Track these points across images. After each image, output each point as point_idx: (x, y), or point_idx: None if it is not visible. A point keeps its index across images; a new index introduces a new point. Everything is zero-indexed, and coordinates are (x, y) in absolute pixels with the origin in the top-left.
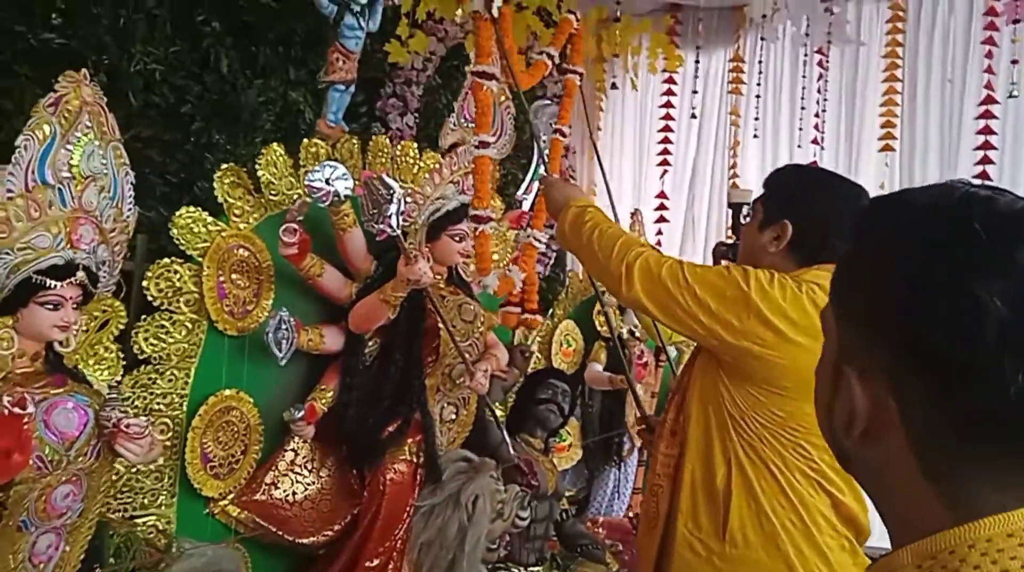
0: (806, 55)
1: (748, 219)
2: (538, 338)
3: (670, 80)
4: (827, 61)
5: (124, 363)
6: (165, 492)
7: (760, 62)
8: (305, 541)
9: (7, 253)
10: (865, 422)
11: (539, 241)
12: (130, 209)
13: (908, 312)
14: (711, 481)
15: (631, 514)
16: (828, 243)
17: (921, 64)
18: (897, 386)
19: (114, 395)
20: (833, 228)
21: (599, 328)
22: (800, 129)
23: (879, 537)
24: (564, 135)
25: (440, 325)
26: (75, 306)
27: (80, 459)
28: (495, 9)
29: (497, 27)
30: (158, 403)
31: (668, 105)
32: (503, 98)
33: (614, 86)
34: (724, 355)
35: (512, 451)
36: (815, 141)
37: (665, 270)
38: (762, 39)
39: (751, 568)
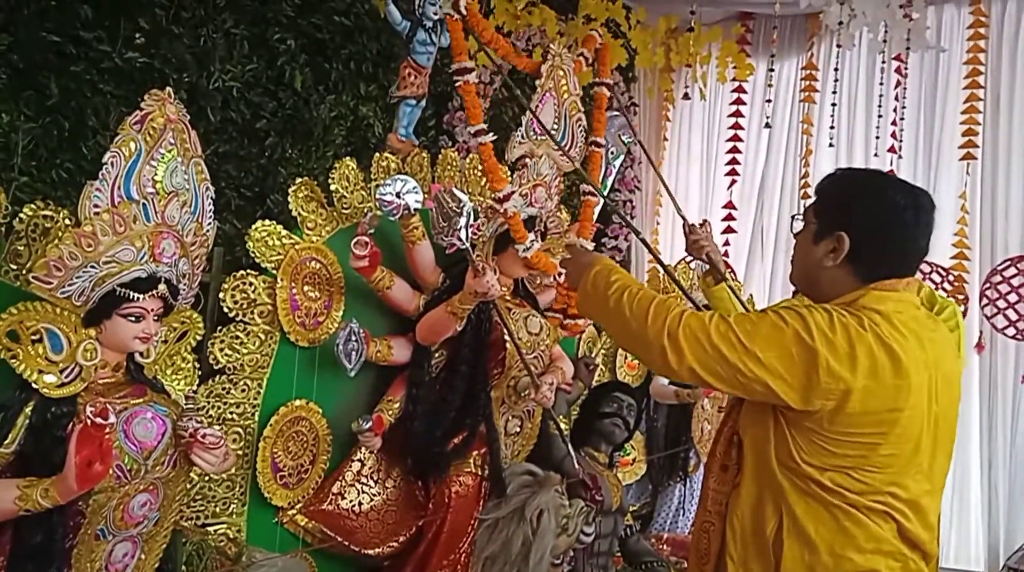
0: (884, 62)
1: (799, 230)
2: (603, 351)
3: (739, 89)
4: (905, 68)
5: (200, 373)
6: (236, 501)
7: (835, 69)
8: (370, 552)
9: (93, 266)
10: None
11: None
12: (209, 223)
13: None
14: (760, 531)
15: None
16: (889, 256)
17: (1004, 70)
18: None
19: (191, 405)
20: (894, 239)
21: None
22: (877, 138)
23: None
24: (600, 146)
25: (506, 337)
26: (156, 318)
27: (157, 468)
28: (462, 7)
29: (467, 23)
30: (231, 412)
31: (737, 114)
32: (574, 111)
33: (686, 96)
34: (789, 410)
35: (577, 465)
36: (892, 149)
37: (715, 334)
38: (837, 46)
39: None
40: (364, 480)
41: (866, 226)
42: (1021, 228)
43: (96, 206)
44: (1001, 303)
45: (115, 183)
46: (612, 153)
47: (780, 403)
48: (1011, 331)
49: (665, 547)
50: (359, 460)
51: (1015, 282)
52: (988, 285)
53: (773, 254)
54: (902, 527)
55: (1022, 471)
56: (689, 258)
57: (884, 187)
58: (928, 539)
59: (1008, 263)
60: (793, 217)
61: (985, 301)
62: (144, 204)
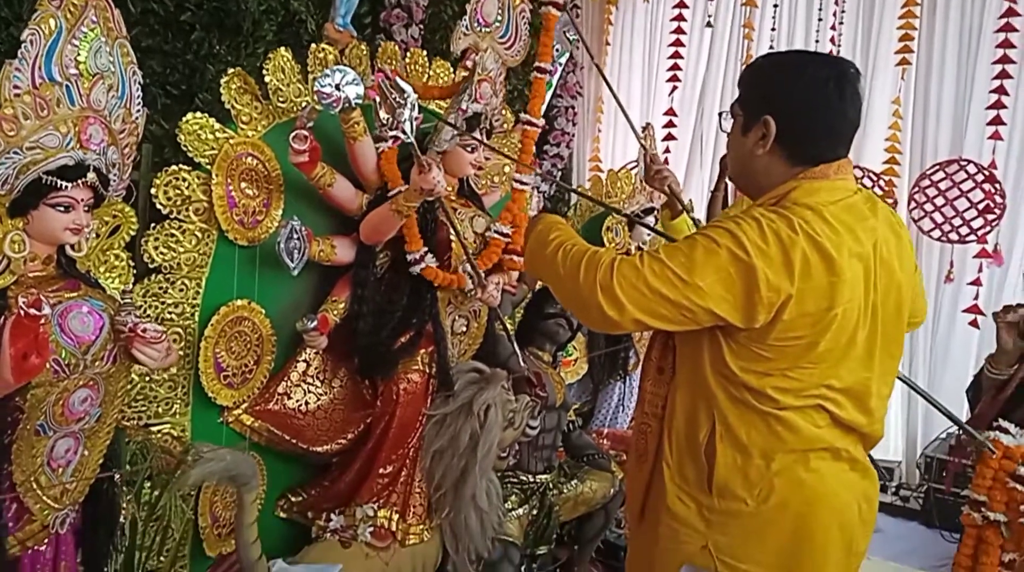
0: None
1: (729, 128)
2: None
3: None
4: None
5: (134, 272)
6: (179, 401)
7: None
8: (319, 449)
9: (16, 152)
10: None
11: (523, 183)
12: (138, 110)
13: None
14: (694, 438)
15: None
16: (817, 133)
17: None
18: None
19: (128, 300)
20: (820, 114)
21: (607, 244)
22: (817, 42)
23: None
24: (544, 72)
25: (452, 237)
26: (87, 209)
27: (97, 363)
28: (388, 72)
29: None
30: (170, 312)
31: (679, 18)
32: (517, 2)
33: None
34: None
35: (522, 363)
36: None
37: (651, 276)
38: None
39: (744, 519)
40: (310, 380)
41: (790, 105)
42: (951, 133)
43: (16, 87)
44: (928, 206)
45: (35, 63)
46: (557, 50)
47: (725, 324)
48: (936, 234)
49: (605, 441)
50: (304, 360)
51: (942, 186)
52: (916, 189)
53: (712, 161)
54: (834, 415)
55: (940, 366)
56: (632, 165)
57: (803, 63)
58: (866, 422)
59: (936, 167)
60: (721, 114)
61: (913, 204)
62: (67, 86)
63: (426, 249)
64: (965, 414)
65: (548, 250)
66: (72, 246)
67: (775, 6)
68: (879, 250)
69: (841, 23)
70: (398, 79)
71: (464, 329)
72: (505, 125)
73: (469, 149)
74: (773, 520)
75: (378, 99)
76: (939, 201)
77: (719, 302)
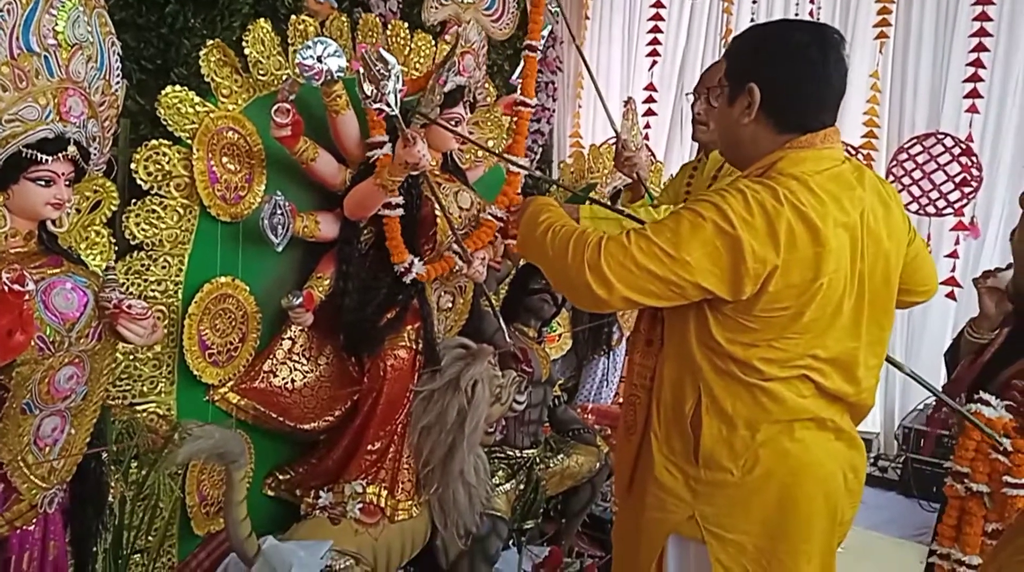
0: None
1: (717, 102)
2: None
3: None
4: None
5: (116, 249)
6: (164, 379)
7: None
8: (306, 427)
9: None
10: None
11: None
12: (118, 81)
13: None
14: (680, 409)
15: (620, 401)
16: (802, 100)
17: None
18: None
19: (112, 276)
20: (803, 80)
21: None
22: (796, 15)
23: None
24: (534, 50)
25: (437, 212)
26: (67, 183)
27: (82, 341)
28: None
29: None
30: (152, 290)
31: None
32: None
33: None
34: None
35: (508, 339)
36: None
37: (638, 254)
38: None
39: (729, 489)
40: (296, 357)
41: (772, 72)
42: (928, 107)
43: None
44: (906, 180)
45: (13, 33)
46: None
47: (712, 297)
48: (914, 206)
49: (590, 416)
50: (290, 338)
51: (920, 159)
52: (894, 162)
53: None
54: (820, 385)
55: (918, 338)
56: (613, 141)
57: (785, 30)
58: (852, 391)
59: (914, 141)
60: (687, 95)
61: (891, 178)
62: (46, 57)
63: (412, 258)
64: (942, 379)
65: (538, 232)
66: (53, 221)
67: None
68: (866, 219)
69: None
70: (382, 50)
71: (450, 305)
72: (488, 99)
73: (454, 122)
74: (758, 490)
75: (362, 71)
76: (917, 174)
77: (706, 276)
